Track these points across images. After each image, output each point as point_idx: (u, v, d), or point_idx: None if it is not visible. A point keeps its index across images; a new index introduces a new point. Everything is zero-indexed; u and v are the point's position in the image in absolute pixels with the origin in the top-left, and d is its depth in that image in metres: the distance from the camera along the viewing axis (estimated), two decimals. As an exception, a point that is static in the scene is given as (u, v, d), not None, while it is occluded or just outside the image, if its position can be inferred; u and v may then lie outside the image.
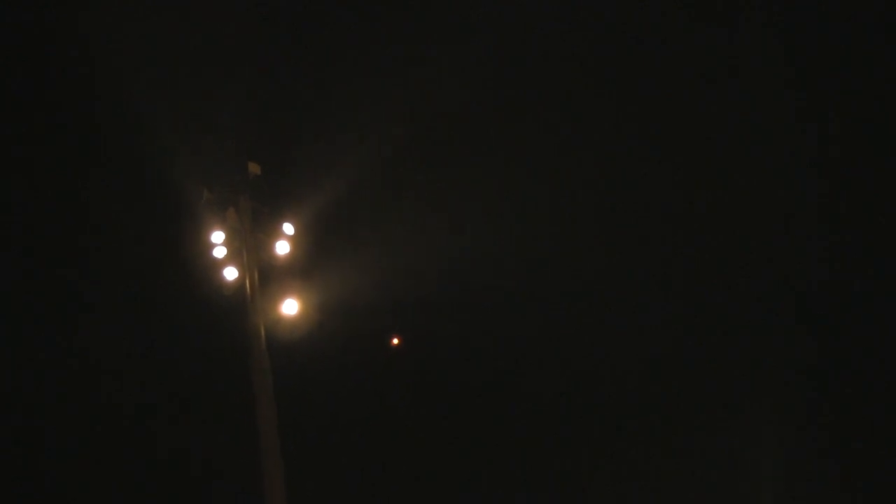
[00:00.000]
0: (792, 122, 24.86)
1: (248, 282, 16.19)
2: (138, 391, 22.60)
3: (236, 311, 16.19)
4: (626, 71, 25.49)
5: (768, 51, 24.79)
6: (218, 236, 16.42)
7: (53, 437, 22.99)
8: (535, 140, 25.45)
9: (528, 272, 25.03)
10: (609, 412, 24.91)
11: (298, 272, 16.61)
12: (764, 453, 23.72)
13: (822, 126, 24.97)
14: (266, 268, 16.47)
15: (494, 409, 24.66)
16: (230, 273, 16.29)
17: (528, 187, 25.33)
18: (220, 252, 16.40)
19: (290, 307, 16.25)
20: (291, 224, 16.81)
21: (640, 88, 25.62)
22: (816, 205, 25.30)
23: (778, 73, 24.91)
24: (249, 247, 16.42)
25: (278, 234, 16.68)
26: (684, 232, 25.48)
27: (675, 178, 25.29)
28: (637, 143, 25.41)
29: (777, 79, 25.01)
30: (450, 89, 23.36)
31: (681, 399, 24.74)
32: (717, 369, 24.89)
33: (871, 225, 25.10)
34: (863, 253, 25.09)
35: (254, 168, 16.87)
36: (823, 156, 25.05)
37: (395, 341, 20.81)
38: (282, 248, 16.58)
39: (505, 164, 25.09)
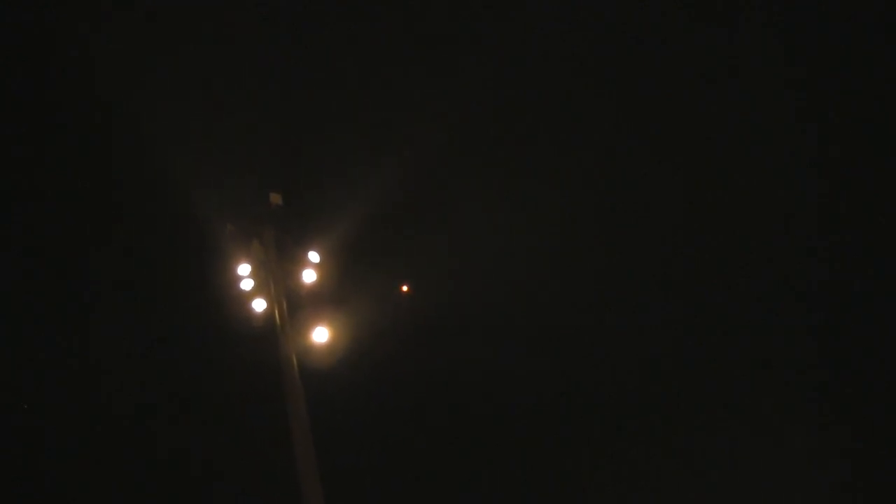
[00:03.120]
0: (792, 122, 24.86)
1: (277, 312, 16.25)
2: (140, 392, 22.65)
3: (264, 338, 16.24)
4: (627, 71, 25.52)
5: (768, 51, 24.79)
6: (244, 269, 16.52)
7: (53, 437, 23.00)
8: (536, 141, 25.51)
9: (528, 273, 25.07)
10: (609, 412, 24.91)
11: (327, 299, 16.65)
12: (763, 453, 23.73)
13: (822, 126, 24.98)
14: (294, 297, 16.51)
15: (496, 409, 24.67)
16: (259, 305, 16.35)
17: (528, 188, 25.38)
18: (247, 284, 16.49)
19: (320, 335, 16.31)
20: (317, 251, 16.89)
21: (640, 88, 25.64)
22: (816, 205, 25.31)
23: (778, 73, 24.92)
24: (276, 277, 16.52)
25: (304, 262, 16.77)
26: (684, 232, 25.49)
27: (675, 178, 25.31)
28: (637, 143, 25.43)
29: (777, 79, 25.02)
30: (459, 98, 23.44)
31: (681, 399, 24.74)
32: (717, 369, 24.88)
33: (871, 225, 25.10)
34: (863, 253, 25.10)
35: (275, 198, 16.99)
36: (823, 156, 25.05)
37: (405, 289, 20.77)
38: (309, 276, 16.68)
39: (509, 166, 25.17)
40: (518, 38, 23.75)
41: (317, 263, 16.78)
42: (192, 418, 22.92)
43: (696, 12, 24.70)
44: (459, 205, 24.75)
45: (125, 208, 23.56)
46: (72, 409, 22.63)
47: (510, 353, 24.49)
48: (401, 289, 20.73)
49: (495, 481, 24.12)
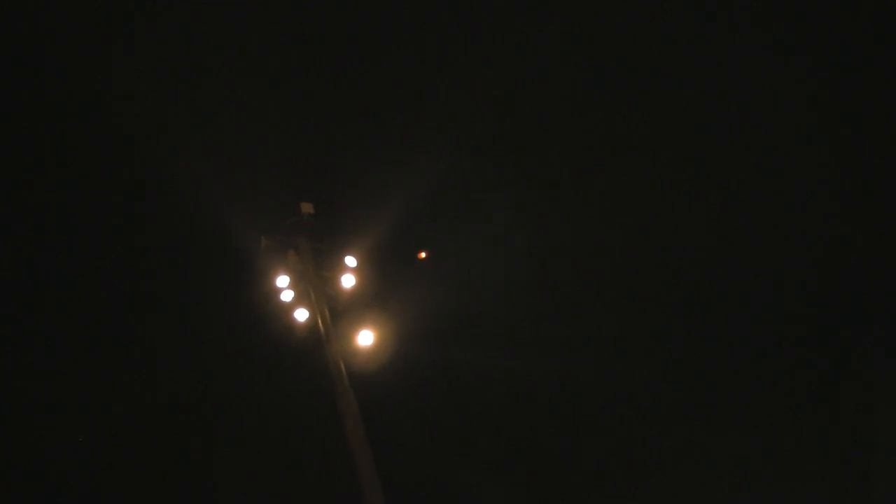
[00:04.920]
0: (792, 121, 24.91)
1: (319, 320, 16.30)
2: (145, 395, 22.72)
3: (311, 349, 16.27)
4: (626, 71, 25.57)
5: (768, 51, 24.84)
6: (283, 280, 16.58)
7: (53, 438, 23.02)
8: (555, 144, 25.65)
9: (529, 276, 25.15)
10: (610, 412, 24.95)
11: (368, 302, 16.64)
12: (764, 454, 23.80)
13: (822, 126, 25.03)
14: (335, 303, 16.54)
15: (501, 411, 24.70)
16: (301, 315, 16.39)
17: (543, 190, 25.52)
18: (287, 296, 16.54)
19: (365, 338, 16.27)
20: (353, 256, 16.92)
21: (640, 88, 25.69)
22: (816, 204, 25.36)
23: (778, 73, 24.97)
24: (315, 286, 16.58)
25: (342, 268, 16.82)
26: (684, 232, 25.54)
27: (676, 178, 25.37)
28: (637, 143, 25.51)
29: (777, 79, 25.07)
30: (482, 100, 23.53)
31: (681, 399, 24.79)
32: (717, 369, 24.94)
33: (871, 225, 25.16)
34: (863, 253, 25.15)
35: (307, 208, 17.07)
36: (822, 156, 25.10)
37: (423, 255, 20.84)
38: (347, 281, 16.71)
39: (530, 165, 25.31)
40: (536, 42, 23.90)
41: (354, 268, 16.83)
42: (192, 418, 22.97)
43: (695, 12, 24.78)
44: (483, 202, 24.93)
45: (155, 229, 23.64)
46: (107, 416, 22.72)
47: (528, 353, 24.56)
48: (419, 255, 20.81)
49: (509, 481, 24.15)
